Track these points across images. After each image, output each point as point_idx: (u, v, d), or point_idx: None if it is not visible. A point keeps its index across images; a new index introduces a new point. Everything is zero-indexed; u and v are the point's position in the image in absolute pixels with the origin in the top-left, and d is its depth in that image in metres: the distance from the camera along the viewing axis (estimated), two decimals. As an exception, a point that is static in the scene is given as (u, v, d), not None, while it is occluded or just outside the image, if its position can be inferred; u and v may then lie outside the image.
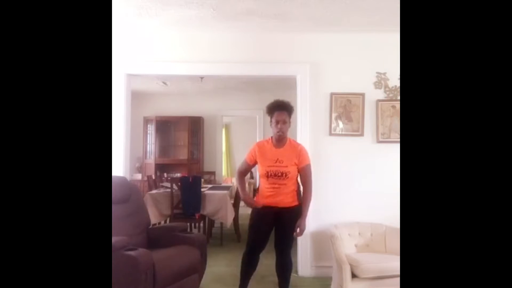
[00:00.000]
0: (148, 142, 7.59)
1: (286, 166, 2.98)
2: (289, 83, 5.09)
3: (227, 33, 3.95)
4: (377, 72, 3.96)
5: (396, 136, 3.89)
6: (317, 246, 3.91)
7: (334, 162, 3.96)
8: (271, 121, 3.10)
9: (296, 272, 3.88)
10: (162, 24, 3.74)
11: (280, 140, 3.05)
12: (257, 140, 7.83)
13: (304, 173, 3.04)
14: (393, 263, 2.98)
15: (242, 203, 7.41)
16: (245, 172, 3.31)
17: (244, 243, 3.23)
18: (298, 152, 3.03)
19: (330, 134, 3.96)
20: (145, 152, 7.58)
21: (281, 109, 3.04)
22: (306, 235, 3.90)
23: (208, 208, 5.05)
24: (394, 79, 3.91)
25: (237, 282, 3.15)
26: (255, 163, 3.16)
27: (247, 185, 8.76)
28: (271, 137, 3.15)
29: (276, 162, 3.01)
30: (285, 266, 3.11)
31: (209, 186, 5.91)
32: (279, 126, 2.99)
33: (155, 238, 3.41)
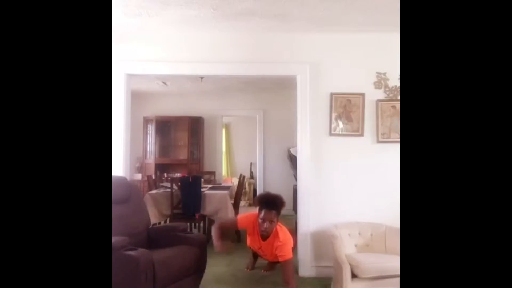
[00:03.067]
0: (148, 142, 7.58)
1: (266, 255, 3.25)
2: (289, 83, 5.09)
3: (227, 33, 3.95)
4: (377, 72, 3.96)
5: (396, 136, 3.89)
6: (317, 246, 3.91)
7: (334, 162, 3.95)
8: (259, 214, 3.12)
9: (296, 272, 3.88)
10: (162, 24, 3.74)
11: (265, 235, 3.16)
12: (257, 140, 7.87)
13: (285, 268, 3.07)
14: (393, 263, 2.97)
15: (242, 203, 7.44)
16: (229, 229, 3.30)
17: (244, 243, 3.24)
18: (280, 248, 3.07)
19: (330, 134, 3.96)
20: (145, 152, 7.58)
21: (270, 208, 3.04)
22: (306, 235, 3.92)
23: (208, 208, 5.05)
24: (394, 79, 3.91)
25: (237, 282, 3.17)
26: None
27: (247, 185, 8.79)
28: None
29: (259, 249, 3.25)
30: None
31: (209, 186, 5.90)
32: (265, 225, 3.02)
33: (155, 238, 3.41)
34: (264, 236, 3.14)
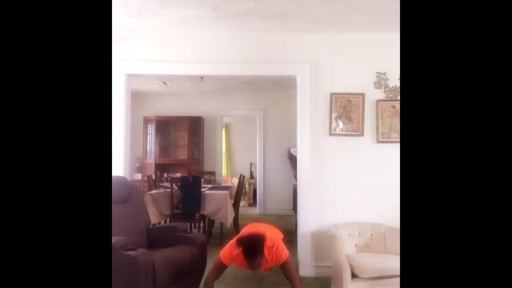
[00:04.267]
0: (148, 142, 7.59)
1: (264, 268, 2.95)
2: (289, 83, 5.10)
3: (227, 33, 3.95)
4: (377, 72, 3.96)
5: (396, 136, 3.89)
6: (317, 246, 3.91)
7: (334, 162, 3.95)
8: (244, 260, 2.81)
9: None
10: (162, 24, 3.74)
11: None
12: (257, 140, 7.87)
13: (286, 269, 2.90)
14: (393, 263, 2.97)
15: (242, 203, 7.44)
16: (219, 274, 2.98)
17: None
18: (273, 259, 2.88)
19: (330, 134, 3.96)
20: (145, 152, 7.58)
21: (253, 256, 2.75)
22: (306, 235, 3.92)
23: (208, 208, 5.05)
24: (394, 79, 3.91)
25: (237, 282, 3.14)
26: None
27: (247, 185, 8.79)
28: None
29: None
30: None
31: (209, 186, 5.90)
32: (255, 270, 2.83)
33: (155, 238, 3.41)
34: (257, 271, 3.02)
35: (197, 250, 3.25)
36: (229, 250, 2.90)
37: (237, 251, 2.82)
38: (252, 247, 2.75)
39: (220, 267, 2.94)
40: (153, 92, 7.35)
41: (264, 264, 2.88)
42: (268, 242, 2.87)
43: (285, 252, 2.92)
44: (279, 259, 2.88)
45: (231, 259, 2.89)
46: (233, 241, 2.90)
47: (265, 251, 2.83)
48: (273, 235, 3.01)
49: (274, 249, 2.88)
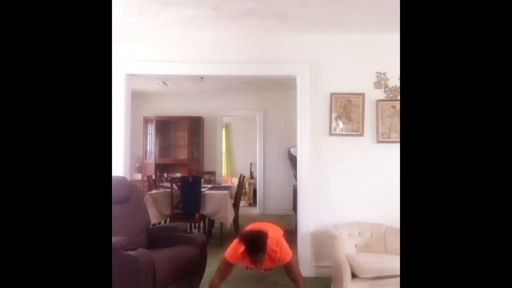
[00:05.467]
0: (148, 142, 7.59)
1: (268, 267, 3.01)
2: (289, 83, 5.10)
3: (227, 33, 3.95)
4: (377, 72, 3.96)
5: (396, 136, 3.89)
6: (317, 246, 3.91)
7: (334, 162, 3.96)
8: (247, 256, 2.82)
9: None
10: (162, 24, 3.74)
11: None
12: (257, 140, 7.87)
13: (289, 270, 2.92)
14: (393, 263, 2.98)
15: (242, 203, 7.43)
16: (226, 274, 2.96)
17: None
18: (277, 260, 2.90)
19: (330, 134, 3.96)
20: (145, 152, 7.58)
21: (255, 253, 2.77)
22: (306, 235, 3.92)
23: (208, 208, 5.05)
24: (394, 79, 3.91)
25: (237, 282, 3.14)
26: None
27: (247, 185, 8.79)
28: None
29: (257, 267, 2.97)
30: None
31: (209, 186, 5.90)
32: (257, 266, 2.86)
33: (155, 238, 3.41)
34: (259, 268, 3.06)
35: (197, 250, 3.25)
36: (233, 248, 2.90)
37: (241, 248, 2.84)
38: (255, 244, 2.76)
39: (227, 267, 2.93)
40: (153, 92, 7.35)
41: (269, 263, 2.90)
42: (272, 242, 2.88)
43: (289, 253, 2.94)
44: (283, 259, 2.90)
45: (236, 257, 2.89)
46: (236, 239, 2.92)
47: (269, 251, 2.84)
48: (275, 234, 3.03)
49: (279, 250, 2.89)
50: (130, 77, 4.11)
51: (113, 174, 3.03)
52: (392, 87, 3.94)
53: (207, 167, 7.70)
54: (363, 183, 3.93)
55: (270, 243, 2.85)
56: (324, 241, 3.75)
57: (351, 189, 3.94)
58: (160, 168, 7.48)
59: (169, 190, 5.07)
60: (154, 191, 5.38)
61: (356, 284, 3.08)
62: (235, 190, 6.00)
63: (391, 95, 3.95)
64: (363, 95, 3.94)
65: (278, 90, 7.20)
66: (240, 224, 5.50)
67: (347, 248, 3.41)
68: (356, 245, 3.54)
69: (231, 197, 5.46)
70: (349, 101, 3.95)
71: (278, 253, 2.88)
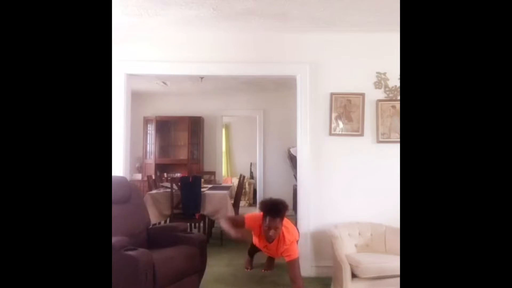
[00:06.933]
0: (148, 142, 7.59)
1: (271, 254, 3.31)
2: (289, 83, 5.09)
3: (227, 33, 3.95)
4: (377, 72, 3.96)
5: (396, 136, 3.89)
6: (317, 246, 3.91)
7: (334, 162, 3.95)
8: (264, 220, 3.07)
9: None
10: (162, 24, 3.73)
11: (270, 240, 3.15)
12: (257, 140, 7.87)
13: (291, 268, 3.08)
14: (393, 263, 2.98)
15: (242, 203, 7.43)
16: (236, 225, 3.22)
17: (244, 243, 3.25)
18: (285, 249, 3.09)
19: (330, 134, 3.96)
20: (145, 152, 7.58)
21: (274, 216, 3.00)
22: (306, 235, 3.92)
23: (208, 208, 5.05)
24: (394, 79, 3.91)
25: (237, 282, 3.17)
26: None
27: (247, 185, 8.79)
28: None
29: (264, 248, 3.25)
30: None
31: (209, 186, 5.90)
32: (270, 233, 3.03)
33: (155, 238, 3.41)
34: (270, 240, 3.16)
35: (197, 250, 3.25)
36: (253, 216, 3.17)
37: (260, 219, 3.08)
38: (276, 206, 3.00)
39: (240, 222, 3.19)
40: (153, 92, 7.35)
41: (275, 249, 3.05)
42: (288, 232, 3.11)
43: (296, 252, 3.08)
44: (290, 253, 3.02)
45: (254, 221, 3.12)
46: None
47: (284, 232, 3.06)
48: (294, 232, 3.25)
49: (289, 243, 3.08)
50: (130, 77, 4.11)
51: (113, 174, 3.03)
52: (392, 87, 3.94)
53: (207, 167, 7.70)
54: (363, 183, 3.93)
55: (287, 232, 3.09)
56: (324, 241, 3.75)
57: (351, 189, 3.94)
58: (160, 168, 7.48)
59: (169, 190, 5.07)
60: (154, 191, 5.38)
61: (356, 284, 3.09)
62: (235, 190, 6.00)
63: (391, 95, 3.95)
64: (363, 95, 3.94)
65: (278, 90, 7.20)
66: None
67: (347, 248, 3.41)
68: (356, 245, 3.54)
69: (231, 197, 5.46)
70: (349, 101, 3.95)
71: (287, 245, 3.05)
